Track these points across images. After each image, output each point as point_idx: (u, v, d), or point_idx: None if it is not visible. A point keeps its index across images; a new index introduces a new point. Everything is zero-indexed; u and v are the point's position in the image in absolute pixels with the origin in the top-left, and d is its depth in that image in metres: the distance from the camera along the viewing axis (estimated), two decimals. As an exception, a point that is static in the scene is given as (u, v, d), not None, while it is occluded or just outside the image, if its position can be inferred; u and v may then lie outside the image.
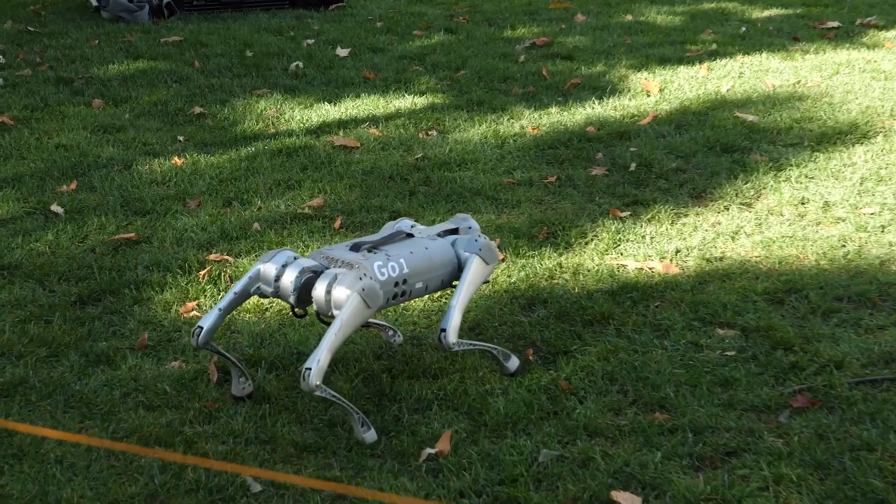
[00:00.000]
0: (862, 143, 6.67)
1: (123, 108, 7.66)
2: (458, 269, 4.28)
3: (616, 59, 8.61)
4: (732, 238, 5.52)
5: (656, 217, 5.76)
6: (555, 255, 5.38)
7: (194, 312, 4.91)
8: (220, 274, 5.22)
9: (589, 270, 5.21)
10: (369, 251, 4.14)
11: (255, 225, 5.74)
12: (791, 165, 6.37)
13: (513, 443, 3.97)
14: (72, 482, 3.80)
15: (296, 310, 4.14)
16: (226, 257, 5.38)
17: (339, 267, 4.06)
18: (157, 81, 8.22)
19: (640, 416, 4.11)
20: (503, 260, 5.31)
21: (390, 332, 4.49)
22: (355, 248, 4.16)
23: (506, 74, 8.25)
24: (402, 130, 7.14)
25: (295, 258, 4.12)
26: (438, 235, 4.35)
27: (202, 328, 4.08)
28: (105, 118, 7.42)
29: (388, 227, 4.45)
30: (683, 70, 8.27)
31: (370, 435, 3.98)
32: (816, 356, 4.44)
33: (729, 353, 4.50)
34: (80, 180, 6.37)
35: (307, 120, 7.36)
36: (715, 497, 3.67)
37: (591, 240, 5.52)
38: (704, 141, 6.75)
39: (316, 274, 4.07)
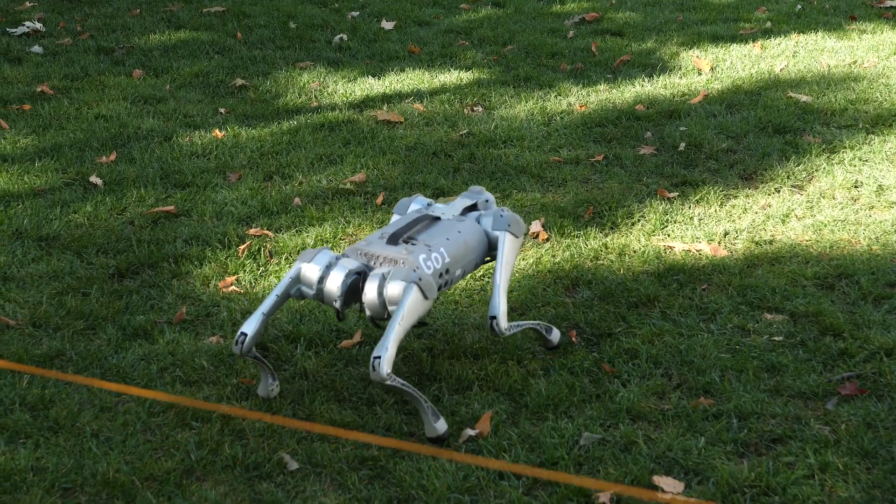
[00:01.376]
0: (917, 126, 6.54)
1: (164, 79, 7.62)
2: (488, 248, 4.21)
3: (667, 36, 8.48)
4: (783, 221, 5.41)
5: (705, 198, 5.66)
6: (600, 235, 5.29)
7: (233, 287, 4.87)
8: (259, 249, 5.17)
9: (635, 252, 5.13)
10: (407, 243, 4.03)
11: (296, 200, 5.68)
12: (845, 148, 6.24)
13: (554, 425, 3.91)
14: (108, 456, 3.77)
15: (340, 314, 4.01)
16: (266, 232, 5.33)
17: (384, 265, 3.95)
18: (199, 52, 8.17)
19: (685, 401, 4.04)
20: (547, 239, 5.23)
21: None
22: (392, 240, 4.03)
23: (554, 50, 8.15)
24: (446, 106, 7.06)
25: (337, 258, 3.98)
26: (461, 214, 4.26)
27: (246, 335, 3.90)
28: (146, 89, 7.38)
29: (403, 205, 4.33)
30: (736, 48, 8.14)
31: (441, 425, 3.84)
32: (866, 343, 4.35)
33: (776, 339, 4.41)
34: (120, 152, 6.33)
35: (350, 94, 7.30)
36: (759, 484, 3.60)
37: (638, 220, 5.43)
38: (756, 121, 6.64)
39: (360, 275, 3.95)
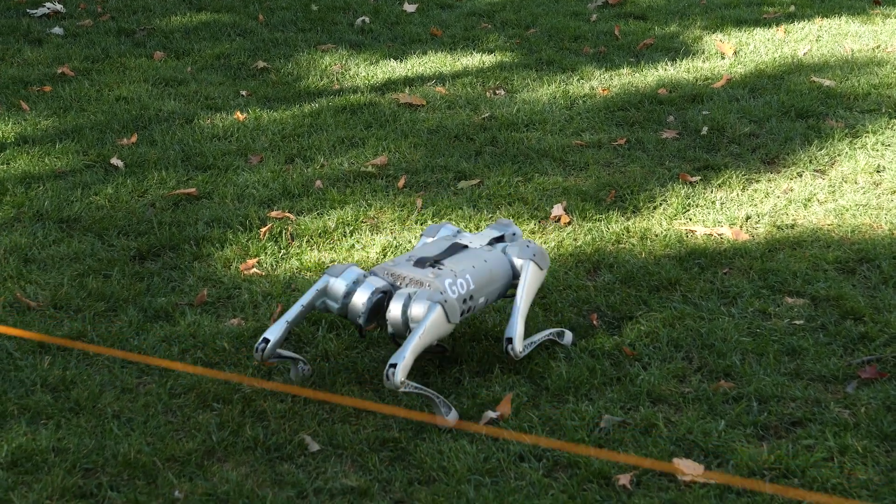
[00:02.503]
0: (941, 110, 6.50)
1: (185, 61, 7.63)
2: (512, 277, 4.23)
3: (690, 20, 8.45)
4: (804, 205, 5.40)
5: (727, 182, 5.64)
6: (622, 219, 5.29)
7: (254, 270, 4.88)
8: (280, 231, 5.18)
9: (657, 235, 5.12)
10: (434, 267, 4.08)
11: (318, 182, 5.69)
12: (867, 132, 6.21)
13: (574, 408, 3.91)
14: (129, 437, 3.79)
15: (362, 332, 4.05)
16: (287, 214, 5.34)
17: (409, 285, 4.01)
18: (220, 34, 8.17)
19: (705, 384, 4.04)
20: (569, 223, 5.23)
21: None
22: (420, 263, 4.09)
23: (577, 33, 8.12)
24: (468, 89, 7.05)
25: (364, 275, 4.04)
26: (488, 245, 4.30)
27: (268, 342, 3.94)
28: (167, 71, 7.39)
29: (432, 230, 4.40)
30: (759, 32, 8.10)
31: (452, 415, 3.88)
32: (887, 327, 4.33)
33: (797, 322, 4.40)
34: (141, 134, 6.35)
35: (372, 76, 7.29)
36: (778, 466, 3.60)
37: (660, 204, 5.42)
38: (779, 105, 6.61)
39: (385, 294, 4.00)
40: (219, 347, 4.30)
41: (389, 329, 3.97)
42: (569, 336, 4.32)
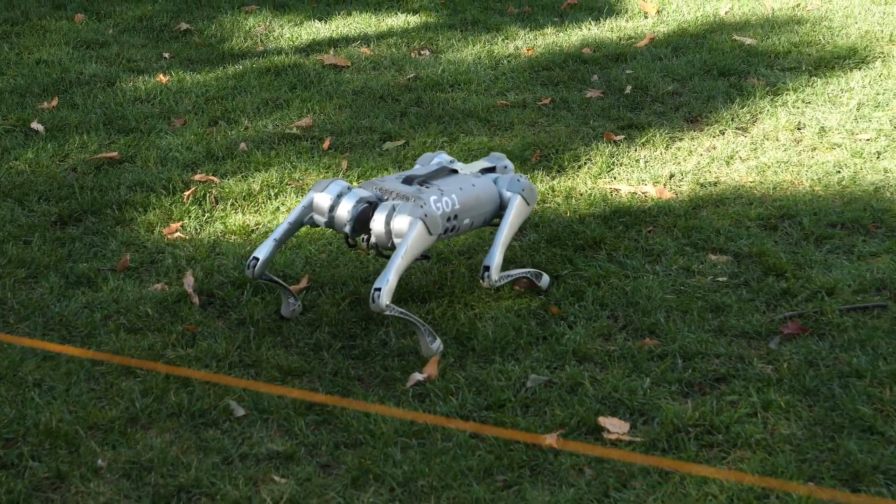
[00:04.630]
0: (860, 69, 6.56)
1: (107, 24, 7.51)
2: (499, 208, 4.31)
3: (613, -20, 8.46)
4: (727, 163, 5.44)
5: (651, 141, 5.67)
6: (547, 178, 5.29)
7: (178, 234, 4.83)
8: (204, 194, 5.13)
9: (581, 194, 5.14)
10: (422, 185, 4.16)
11: (242, 145, 5.64)
12: (788, 90, 6.27)
13: (501, 368, 3.92)
14: (50, 406, 3.74)
15: (349, 240, 4.15)
16: (211, 178, 5.29)
17: (395, 199, 4.08)
18: (144, -3, 8.08)
19: (630, 342, 4.06)
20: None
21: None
22: (408, 181, 4.17)
23: (500, -6, 8.11)
24: (393, 50, 7.02)
25: (349, 188, 4.12)
26: (479, 173, 4.39)
27: (258, 259, 4.08)
28: (88, 33, 7.28)
29: (426, 159, 4.49)
30: (681, -9, 8.13)
31: (437, 345, 3.99)
32: (808, 283, 4.38)
33: (721, 279, 4.44)
34: (62, 97, 6.25)
35: (297, 38, 7.23)
36: (703, 423, 3.63)
37: (585, 163, 5.44)
38: (701, 64, 6.65)
39: (371, 205, 4.07)
40: (142, 313, 4.26)
41: (372, 240, 4.06)
42: (546, 279, 4.38)
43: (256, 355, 4.02)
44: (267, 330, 4.16)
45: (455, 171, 4.34)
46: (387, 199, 4.11)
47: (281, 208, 5.03)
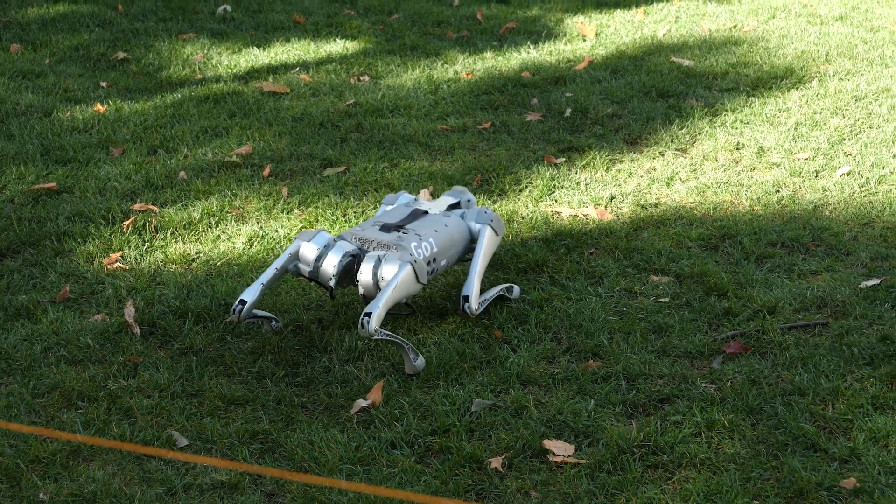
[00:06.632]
0: (797, 88, 6.64)
1: (43, 53, 7.45)
2: (471, 241, 4.43)
3: (552, 3, 8.51)
4: (667, 184, 5.47)
5: (591, 163, 5.69)
6: (489, 202, 5.30)
7: (118, 264, 4.79)
8: (144, 224, 5.09)
9: (523, 218, 5.15)
10: (398, 231, 4.25)
11: (182, 173, 5.61)
12: (726, 111, 6.32)
13: (445, 392, 3.92)
14: (-10, 439, 3.69)
15: (332, 293, 4.22)
16: (151, 207, 5.25)
17: (377, 249, 4.17)
18: (79, 25, 8.00)
19: (574, 365, 4.07)
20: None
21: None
22: (385, 228, 4.26)
23: (440, 18, 8.13)
24: (333, 76, 7.01)
25: (334, 240, 4.19)
26: (447, 210, 4.52)
27: (245, 303, 4.09)
28: (24, 63, 7.21)
29: (390, 199, 4.59)
30: (619, 14, 8.19)
31: (420, 362, 4.04)
32: (749, 302, 4.42)
33: (663, 300, 4.46)
34: None
35: (235, 65, 7.21)
36: (647, 444, 3.64)
37: (526, 187, 5.45)
38: (640, 86, 6.69)
39: (355, 257, 4.15)
40: (83, 344, 4.21)
41: (360, 290, 4.13)
42: (517, 290, 4.49)
43: (199, 384, 3.99)
44: (209, 359, 4.14)
45: (426, 212, 4.44)
46: (369, 249, 4.19)
47: (221, 236, 5.00)
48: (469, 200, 4.65)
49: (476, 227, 4.43)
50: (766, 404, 3.81)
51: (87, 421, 3.79)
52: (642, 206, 5.25)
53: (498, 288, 4.43)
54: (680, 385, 3.94)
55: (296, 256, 4.21)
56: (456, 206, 4.61)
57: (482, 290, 4.40)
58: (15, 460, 3.59)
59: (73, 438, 3.67)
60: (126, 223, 5.09)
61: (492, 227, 4.42)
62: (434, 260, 4.26)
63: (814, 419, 3.74)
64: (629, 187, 5.43)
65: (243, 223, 5.12)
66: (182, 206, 5.28)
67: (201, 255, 4.87)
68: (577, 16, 8.17)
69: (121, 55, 7.36)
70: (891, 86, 6.59)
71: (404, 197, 4.60)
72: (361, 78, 6.99)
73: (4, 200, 5.34)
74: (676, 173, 5.57)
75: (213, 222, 5.13)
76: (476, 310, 4.26)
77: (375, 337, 3.93)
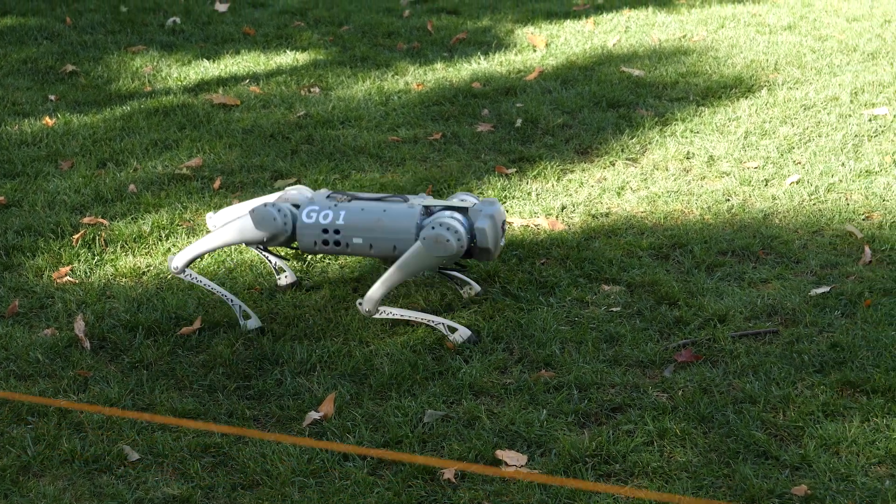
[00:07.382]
0: (746, 98, 6.69)
1: (-8, 67, 7.41)
2: (411, 244, 4.27)
3: (502, 14, 8.54)
4: (618, 194, 5.49)
5: (542, 173, 5.71)
6: (439, 212, 5.30)
7: (68, 278, 4.75)
8: (94, 238, 5.06)
9: (474, 228, 5.14)
10: (334, 199, 4.40)
11: (132, 186, 5.57)
12: (676, 120, 6.36)
13: (397, 404, 3.91)
14: (-62, 456, 3.65)
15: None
16: (101, 220, 5.22)
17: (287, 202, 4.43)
18: (27, 38, 7.95)
19: (526, 375, 4.07)
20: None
21: (467, 287, 4.57)
22: (333, 196, 4.43)
23: (390, 29, 8.13)
24: (283, 88, 7.00)
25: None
26: (431, 208, 4.36)
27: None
28: (-27, 77, 7.17)
29: (461, 196, 4.51)
30: (570, 24, 8.23)
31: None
32: (700, 310, 4.44)
33: (614, 309, 4.47)
34: (-53, 142, 6.14)
35: (185, 77, 7.18)
36: (600, 453, 3.65)
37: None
38: (590, 96, 6.72)
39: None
40: (32, 359, 4.18)
41: None
42: (459, 334, 4.27)
43: (150, 398, 3.96)
44: (160, 373, 4.11)
45: (405, 200, 4.38)
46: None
47: (172, 249, 4.97)
48: (474, 204, 4.36)
49: (417, 237, 4.25)
50: (718, 412, 3.83)
51: (37, 436, 3.75)
52: (593, 216, 5.27)
53: (429, 317, 4.30)
54: (632, 394, 3.95)
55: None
56: (460, 210, 4.34)
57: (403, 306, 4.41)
58: (-37, 477, 3.56)
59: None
60: (75, 237, 5.05)
61: (422, 244, 4.20)
62: (336, 231, 4.30)
63: (765, 427, 3.76)
64: (580, 197, 5.45)
65: (194, 236, 5.10)
66: (132, 219, 5.25)
67: (152, 268, 4.84)
68: (528, 26, 8.19)
69: (69, 68, 7.32)
70: (839, 94, 6.66)
71: (464, 194, 4.50)
72: (312, 90, 6.99)
73: (-49, 215, 5.29)
74: (627, 183, 5.60)
75: (163, 235, 5.11)
76: (368, 311, 4.28)
77: (181, 276, 4.42)
